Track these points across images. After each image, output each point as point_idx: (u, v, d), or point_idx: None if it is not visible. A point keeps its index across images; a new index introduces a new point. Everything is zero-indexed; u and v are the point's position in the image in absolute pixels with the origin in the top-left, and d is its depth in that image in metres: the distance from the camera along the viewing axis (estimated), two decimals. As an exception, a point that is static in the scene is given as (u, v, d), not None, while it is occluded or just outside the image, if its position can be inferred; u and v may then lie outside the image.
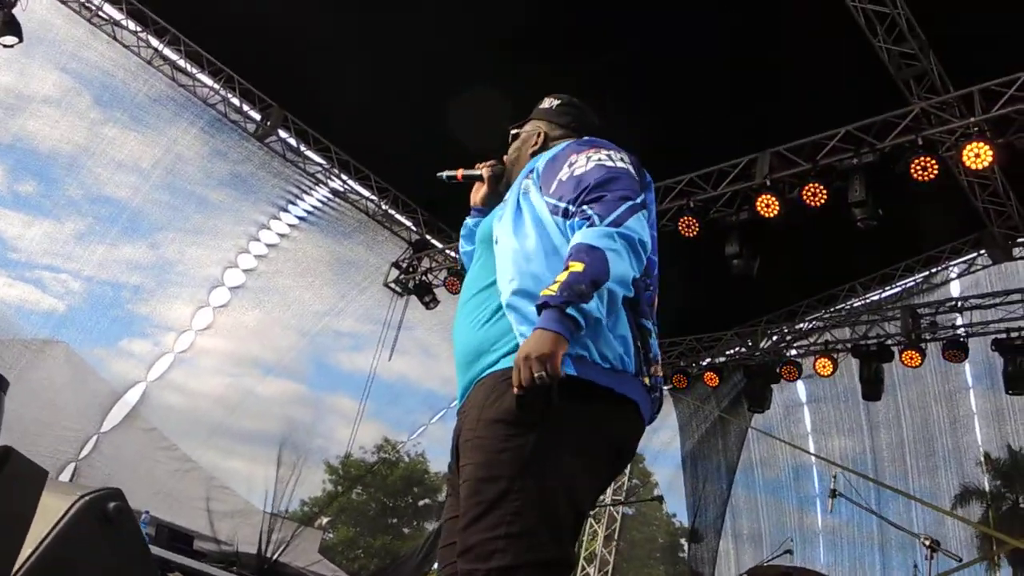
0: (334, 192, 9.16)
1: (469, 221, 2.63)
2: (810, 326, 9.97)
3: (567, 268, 1.86)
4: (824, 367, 9.12)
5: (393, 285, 9.66)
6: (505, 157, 2.62)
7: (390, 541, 19.56)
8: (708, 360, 10.53)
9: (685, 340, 10.46)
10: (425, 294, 9.36)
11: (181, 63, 8.03)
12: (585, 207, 1.97)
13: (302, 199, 9.21)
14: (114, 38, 7.75)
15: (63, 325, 8.30)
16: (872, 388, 8.76)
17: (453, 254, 9.56)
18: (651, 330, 2.04)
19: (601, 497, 11.42)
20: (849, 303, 9.88)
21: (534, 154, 2.46)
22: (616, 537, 11.20)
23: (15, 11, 6.75)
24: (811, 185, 6.65)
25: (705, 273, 8.68)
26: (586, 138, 2.31)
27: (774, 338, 10.24)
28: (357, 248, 9.69)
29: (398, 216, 9.52)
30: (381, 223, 9.47)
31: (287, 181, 9.04)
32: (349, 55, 7.56)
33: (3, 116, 7.98)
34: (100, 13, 7.62)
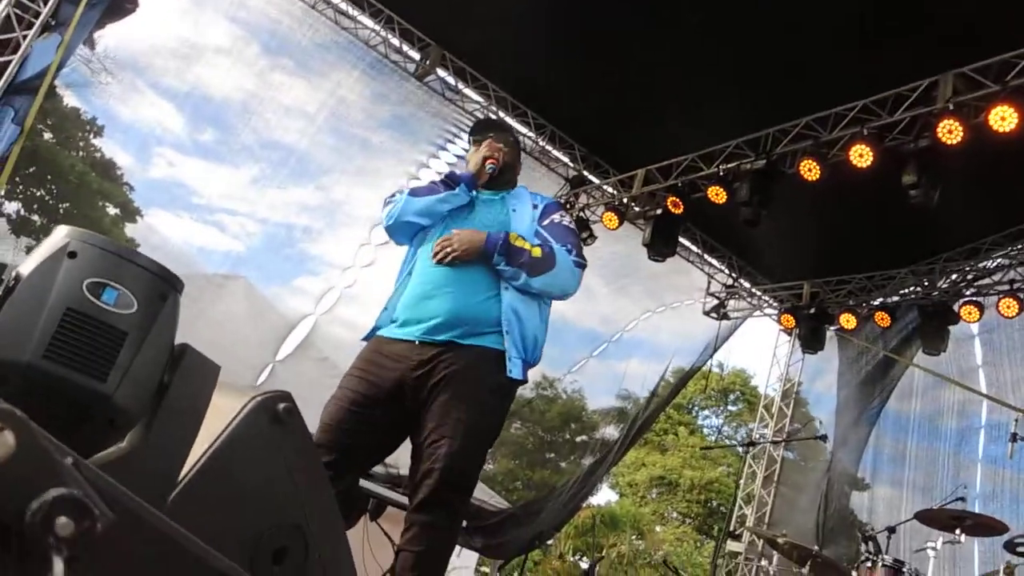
0: (492, 130, 9.19)
1: (465, 191, 3.16)
2: (995, 264, 9.27)
3: (535, 248, 2.96)
4: (1008, 307, 8.47)
5: (550, 222, 9.66)
6: (502, 156, 3.24)
7: (548, 475, 20.05)
8: (880, 300, 10.00)
9: (855, 279, 9.97)
10: (583, 230, 9.32)
11: (343, 6, 8.23)
12: (574, 250, 3.09)
13: (460, 138, 9.31)
14: (279, -14, 8.03)
15: (242, 264, 8.84)
16: (1064, 330, 8.09)
17: (611, 190, 9.46)
18: None
19: (760, 436, 11.20)
20: (1041, 239, 9.11)
21: (515, 173, 3.38)
22: (776, 480, 10.96)
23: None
24: (999, 107, 6.11)
25: (879, 206, 8.21)
26: (554, 199, 3.43)
27: (953, 276, 9.59)
28: (514, 186, 9.74)
29: (555, 152, 9.48)
30: (539, 159, 9.47)
31: (445, 120, 9.15)
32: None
33: (181, 66, 8.43)
34: (266, -40, 7.90)
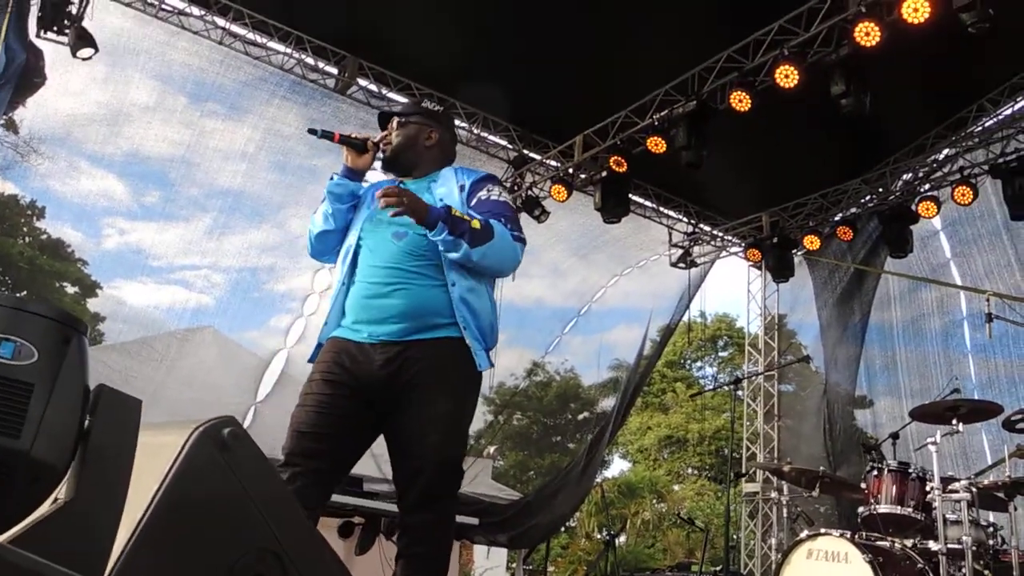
0: (425, 128, 9.09)
1: (339, 180, 3.14)
2: (942, 156, 9.34)
3: (474, 220, 2.83)
4: (963, 195, 8.55)
5: (501, 207, 9.60)
6: (391, 138, 3.18)
7: (557, 457, 20.12)
8: (839, 215, 10.06)
9: (810, 199, 10.02)
10: (534, 208, 9.30)
11: (250, 36, 8.11)
12: (509, 224, 2.98)
13: (396, 143, 9.21)
14: (182, 27, 7.89)
15: (216, 316, 8.71)
16: (1019, 206, 8.16)
17: (553, 163, 9.41)
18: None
19: (753, 371, 11.24)
20: (981, 123, 9.18)
21: (428, 151, 3.19)
22: (777, 414, 11.01)
23: (84, 23, 6.97)
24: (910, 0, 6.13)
25: (818, 124, 8.24)
26: (485, 172, 3.19)
27: (905, 176, 9.66)
28: (459, 179, 9.67)
29: (492, 137, 9.44)
30: (476, 148, 9.41)
31: (377, 129, 9.05)
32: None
33: (109, 132, 8.27)
34: (163, 6, 7.75)
